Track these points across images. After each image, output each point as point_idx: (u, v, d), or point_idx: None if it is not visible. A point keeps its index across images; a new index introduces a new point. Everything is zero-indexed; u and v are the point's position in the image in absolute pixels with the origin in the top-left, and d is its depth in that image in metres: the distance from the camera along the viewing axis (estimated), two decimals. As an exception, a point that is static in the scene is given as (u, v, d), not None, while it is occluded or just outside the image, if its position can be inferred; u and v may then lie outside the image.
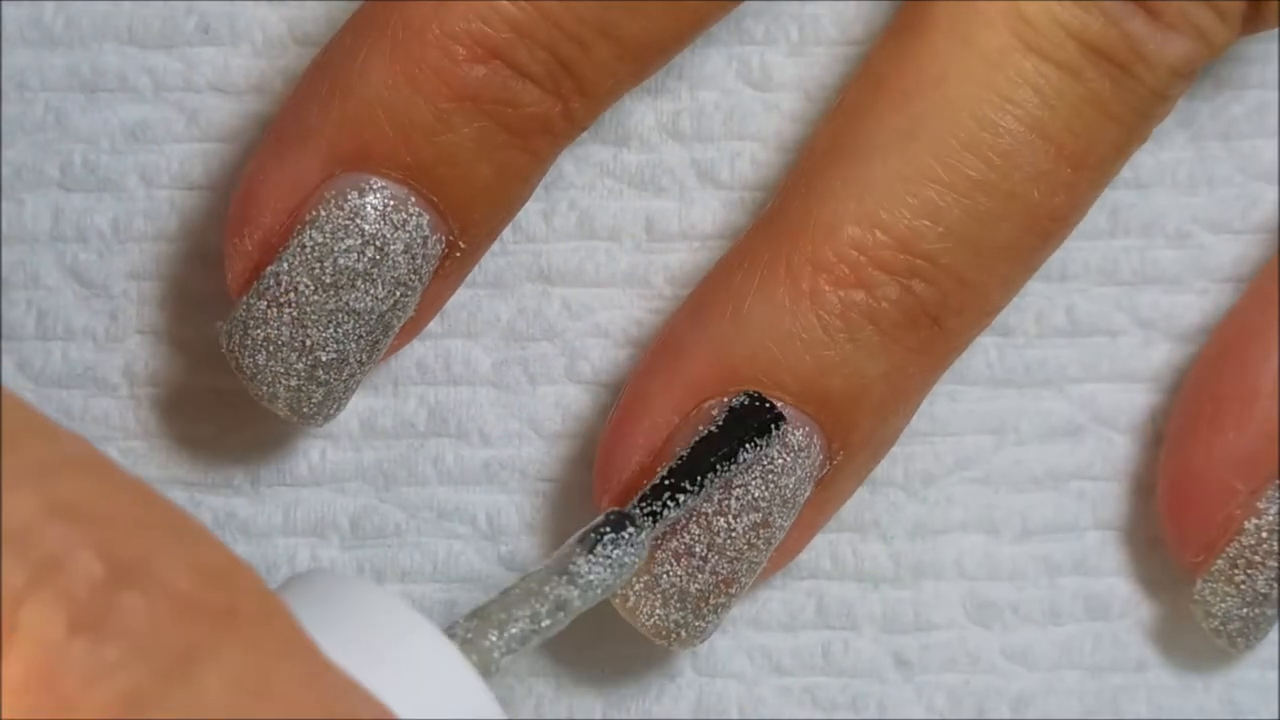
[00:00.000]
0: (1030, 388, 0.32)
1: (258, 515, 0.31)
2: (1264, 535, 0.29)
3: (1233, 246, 0.32)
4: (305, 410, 0.28)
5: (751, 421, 0.28)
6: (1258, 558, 0.29)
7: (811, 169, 0.29)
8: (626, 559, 0.26)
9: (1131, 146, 0.29)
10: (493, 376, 0.31)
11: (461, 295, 0.31)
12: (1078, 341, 0.32)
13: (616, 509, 0.27)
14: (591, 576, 0.26)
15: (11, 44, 0.31)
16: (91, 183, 0.31)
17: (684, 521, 0.28)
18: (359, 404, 0.31)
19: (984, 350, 0.31)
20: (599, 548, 0.26)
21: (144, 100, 0.31)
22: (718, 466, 0.27)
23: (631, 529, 0.27)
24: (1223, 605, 0.30)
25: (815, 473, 0.28)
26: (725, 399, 0.28)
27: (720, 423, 0.28)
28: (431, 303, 0.29)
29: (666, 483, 0.27)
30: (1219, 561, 0.30)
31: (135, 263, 0.31)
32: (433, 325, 0.31)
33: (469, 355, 0.31)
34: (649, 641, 0.31)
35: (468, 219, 0.28)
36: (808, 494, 0.28)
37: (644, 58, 0.28)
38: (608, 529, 0.26)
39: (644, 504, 0.27)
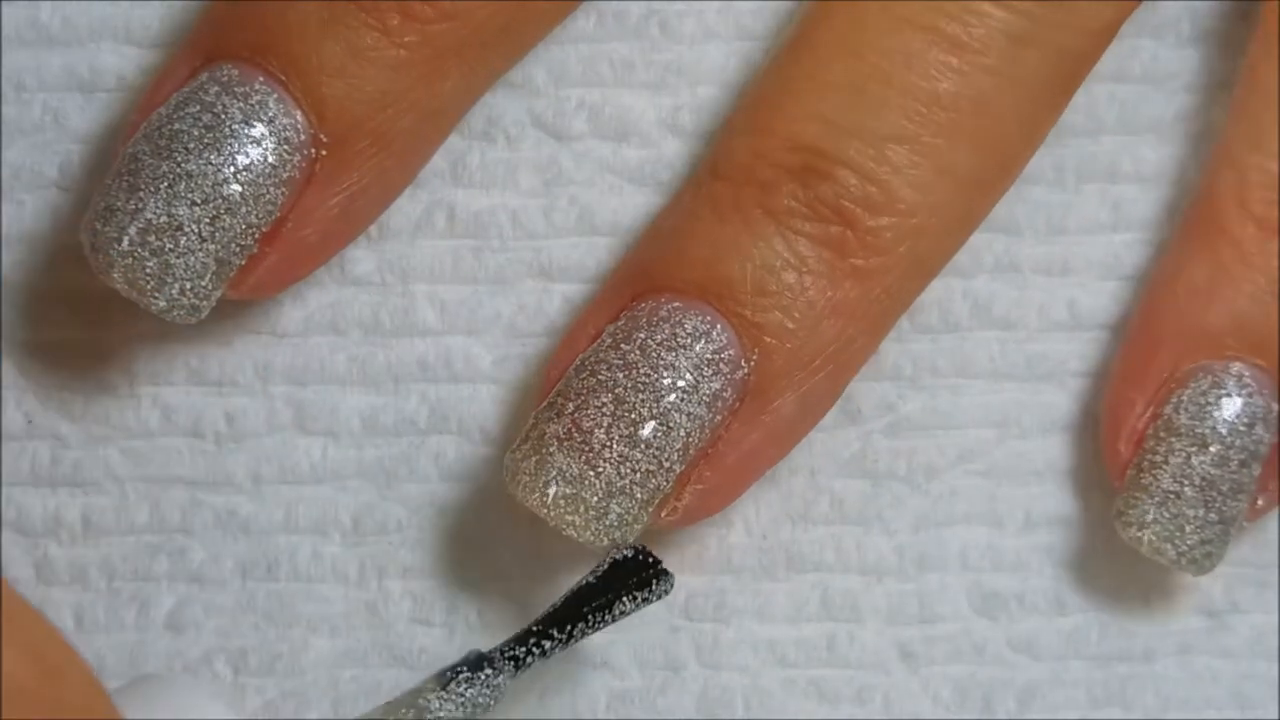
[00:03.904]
0: (1031, 381, 0.31)
1: (259, 513, 0.31)
2: (1161, 435, 0.30)
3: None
4: (141, 283, 0.28)
5: (632, 577, 0.28)
6: (1158, 457, 0.30)
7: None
8: (480, 699, 0.27)
9: (1036, 35, 0.28)
10: (494, 373, 0.31)
11: (462, 292, 0.31)
12: (1079, 335, 0.31)
13: (478, 651, 0.27)
14: (441, 714, 0.27)
15: (9, 44, 0.31)
16: (90, 183, 0.31)
17: (585, 397, 0.28)
18: (360, 401, 0.31)
19: (986, 344, 0.31)
20: (452, 685, 0.27)
21: (142, 100, 0.31)
22: (590, 618, 0.28)
23: (489, 671, 0.27)
24: (1135, 510, 0.30)
25: (725, 369, 0.28)
26: (609, 553, 0.28)
27: (600, 573, 0.28)
28: (311, 214, 0.29)
29: (535, 629, 0.28)
30: (1129, 473, 0.30)
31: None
32: (433, 322, 0.31)
33: (470, 352, 0.31)
34: (653, 633, 0.31)
35: (322, 104, 0.28)
36: (723, 395, 0.28)
37: None
38: (464, 669, 0.27)
39: (507, 648, 0.28)
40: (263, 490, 0.31)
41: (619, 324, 0.29)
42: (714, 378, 0.28)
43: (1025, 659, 0.31)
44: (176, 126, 0.28)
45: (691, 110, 0.31)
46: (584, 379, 0.28)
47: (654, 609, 0.31)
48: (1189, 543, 0.30)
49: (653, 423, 0.28)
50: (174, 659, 0.31)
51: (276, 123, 0.28)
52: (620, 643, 0.31)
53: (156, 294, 0.28)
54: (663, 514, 0.29)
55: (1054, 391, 0.31)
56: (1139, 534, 0.30)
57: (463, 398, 0.31)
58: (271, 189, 0.28)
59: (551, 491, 0.28)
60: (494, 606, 0.31)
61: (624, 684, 0.31)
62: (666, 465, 0.28)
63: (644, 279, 0.29)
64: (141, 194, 0.28)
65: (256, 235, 0.28)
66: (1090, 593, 0.32)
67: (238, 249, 0.28)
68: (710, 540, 0.31)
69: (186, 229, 0.28)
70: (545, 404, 0.28)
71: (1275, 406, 0.30)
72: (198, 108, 0.28)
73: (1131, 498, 0.30)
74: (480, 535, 0.31)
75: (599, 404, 0.28)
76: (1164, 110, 0.31)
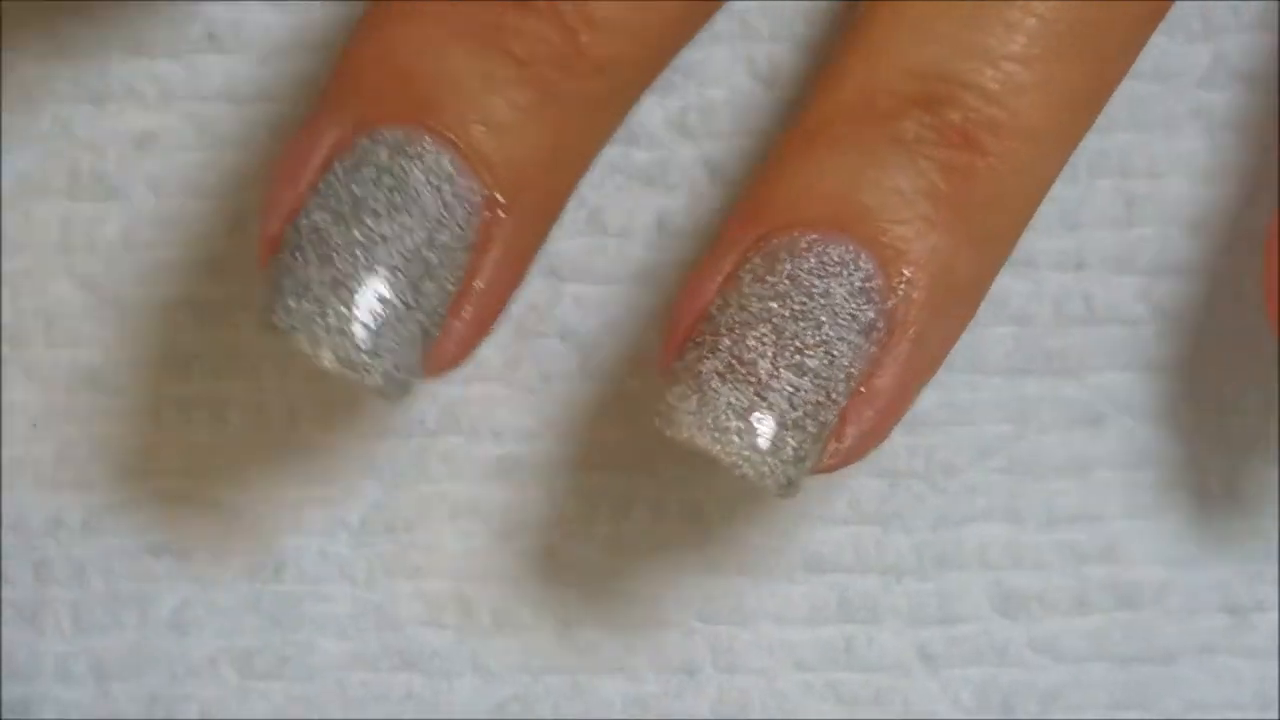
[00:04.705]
0: (1049, 377, 0.31)
1: (265, 515, 0.31)
2: None
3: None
4: (353, 357, 0.26)
5: None
6: None
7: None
8: None
9: None
10: (504, 374, 0.31)
11: (471, 293, 0.31)
12: (1096, 330, 0.31)
13: None
14: None
15: (18, 53, 0.31)
16: (99, 192, 0.31)
17: (741, 330, 0.27)
18: (368, 401, 0.31)
19: (1001, 340, 0.31)
20: None
21: (150, 109, 0.31)
22: None
23: None
24: None
25: (876, 298, 0.27)
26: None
27: None
28: (487, 274, 0.27)
29: None
30: None
31: (143, 271, 0.31)
32: (442, 324, 0.31)
33: (479, 352, 0.31)
34: (668, 636, 0.31)
35: (492, 163, 0.27)
36: (876, 325, 0.27)
37: None
38: None
39: None
40: (269, 491, 0.31)
41: (755, 261, 0.27)
42: (867, 306, 0.27)
43: (1047, 660, 0.31)
44: (357, 191, 0.26)
45: (699, 111, 0.31)
46: (733, 314, 0.27)
47: (670, 612, 0.31)
48: None
49: (818, 350, 0.27)
50: (176, 661, 0.31)
51: (455, 183, 0.27)
52: (636, 646, 0.31)
53: (369, 369, 0.26)
54: (825, 456, 0.27)
55: (1073, 386, 0.31)
56: None
57: (472, 398, 0.31)
58: (460, 253, 0.27)
59: (721, 426, 0.26)
60: (507, 608, 0.31)
61: (640, 688, 0.31)
62: (834, 397, 0.27)
63: (767, 219, 0.27)
64: (336, 264, 0.26)
65: (449, 301, 0.27)
66: (1113, 591, 0.31)
67: (438, 316, 0.27)
68: (727, 541, 0.31)
69: (393, 299, 0.26)
70: (692, 344, 0.27)
71: None
72: (374, 171, 0.26)
73: None
74: (491, 536, 0.31)
75: (758, 334, 0.27)
76: (1176, 106, 0.31)
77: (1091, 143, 0.31)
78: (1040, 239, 0.31)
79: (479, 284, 0.27)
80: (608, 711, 0.31)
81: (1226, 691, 0.31)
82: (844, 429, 0.27)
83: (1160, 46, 0.31)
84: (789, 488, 0.26)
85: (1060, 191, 0.31)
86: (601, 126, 0.28)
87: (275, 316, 0.26)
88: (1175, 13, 0.31)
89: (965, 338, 0.31)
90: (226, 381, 0.31)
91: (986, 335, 0.31)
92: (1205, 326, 0.31)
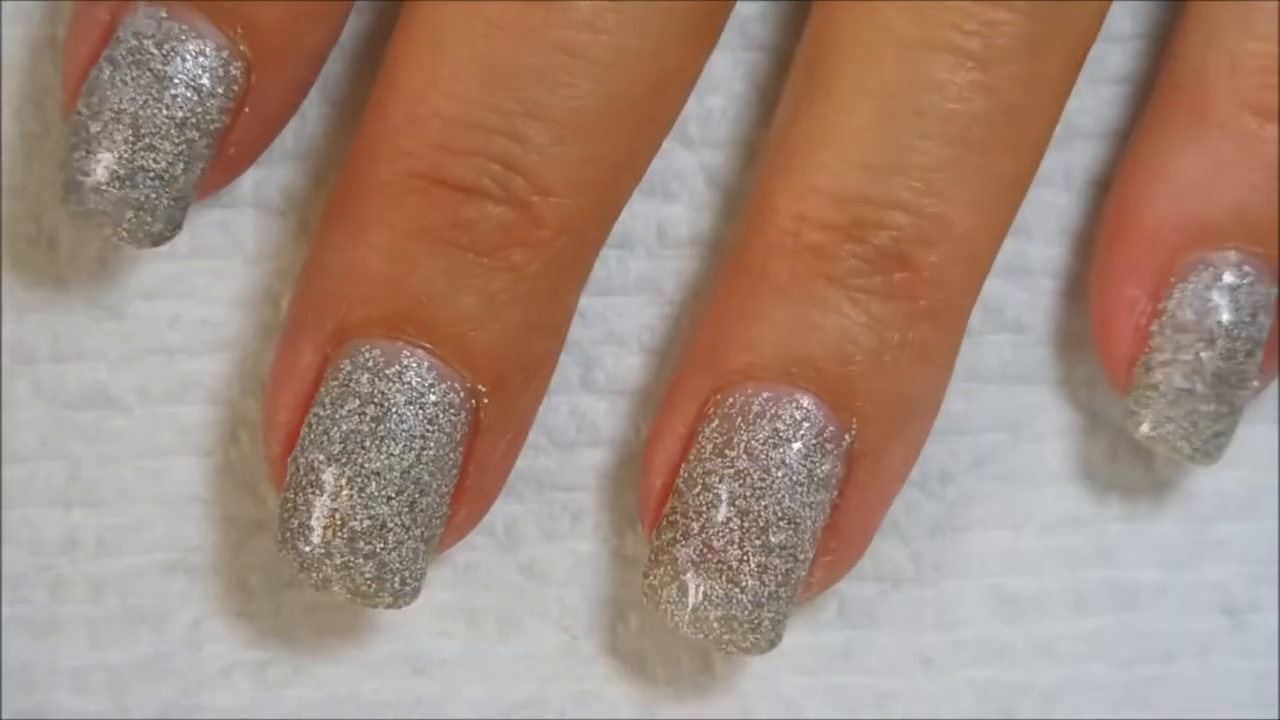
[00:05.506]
0: (1045, 384, 0.31)
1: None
2: (1167, 332, 0.29)
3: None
4: (363, 588, 0.27)
5: None
6: (1166, 355, 0.29)
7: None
8: None
9: (1051, 30, 0.28)
10: (507, 385, 0.31)
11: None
12: (1090, 338, 0.31)
13: None
14: None
15: (16, 64, 0.31)
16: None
17: (707, 514, 0.28)
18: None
19: (997, 348, 0.31)
20: None
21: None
22: None
23: None
24: (1149, 411, 0.29)
25: (831, 448, 0.28)
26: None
27: None
28: (487, 461, 0.28)
29: None
30: (1137, 370, 0.29)
31: (147, 283, 0.31)
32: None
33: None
34: (673, 643, 0.31)
35: (473, 359, 0.27)
36: (835, 472, 0.28)
37: (590, 132, 0.27)
38: None
39: None
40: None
41: (713, 426, 0.28)
42: (824, 460, 0.28)
43: (1046, 663, 0.31)
44: (345, 427, 0.27)
45: (698, 120, 0.31)
46: (698, 494, 0.28)
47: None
48: (1204, 437, 0.29)
49: (781, 524, 0.28)
50: (190, 674, 0.31)
51: (437, 390, 0.27)
52: (641, 653, 0.31)
53: (380, 594, 0.27)
54: (799, 599, 0.28)
55: (1068, 393, 0.31)
56: (1154, 432, 0.29)
57: (476, 410, 0.31)
58: (451, 454, 0.27)
59: (701, 616, 0.28)
60: (512, 617, 0.31)
61: (643, 692, 0.31)
62: (801, 558, 0.28)
63: (720, 371, 0.28)
64: (336, 505, 0.27)
65: (448, 502, 0.28)
66: (1110, 593, 0.31)
67: (437, 522, 0.28)
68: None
69: (390, 524, 0.27)
70: (666, 522, 0.28)
71: (1275, 292, 0.29)
72: (357, 402, 0.27)
73: (1143, 397, 0.29)
74: (496, 548, 0.31)
75: (723, 519, 0.28)
76: (1171, 111, 0.31)
77: (1087, 149, 0.31)
78: (1036, 247, 0.31)
79: (474, 473, 0.28)
80: (612, 714, 0.31)
81: (1225, 692, 0.31)
82: (814, 571, 0.28)
83: (1156, 51, 0.31)
84: (772, 646, 0.28)
85: (1056, 199, 0.31)
86: (577, 276, 0.29)
87: (289, 555, 0.27)
88: (1171, 17, 0.31)
89: (962, 346, 0.31)
90: (236, 397, 0.31)
91: (982, 343, 0.31)
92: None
